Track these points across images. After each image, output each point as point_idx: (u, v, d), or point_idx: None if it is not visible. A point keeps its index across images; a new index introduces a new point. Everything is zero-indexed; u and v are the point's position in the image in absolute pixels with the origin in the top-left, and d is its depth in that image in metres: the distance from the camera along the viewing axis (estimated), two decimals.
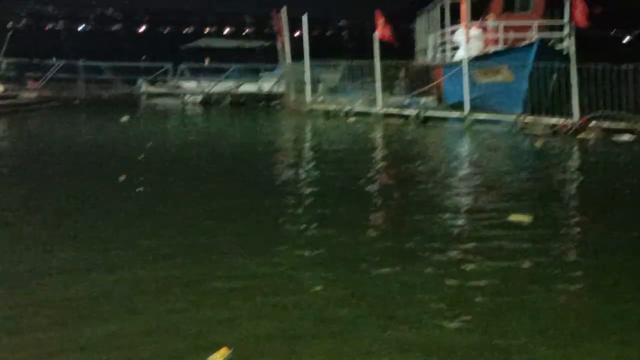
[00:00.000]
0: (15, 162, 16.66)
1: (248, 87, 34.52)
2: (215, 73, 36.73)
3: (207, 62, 39.86)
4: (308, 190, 13.21)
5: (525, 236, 9.84)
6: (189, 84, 35.87)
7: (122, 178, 13.90)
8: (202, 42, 47.66)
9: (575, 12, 21.20)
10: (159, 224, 10.57)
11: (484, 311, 7.14)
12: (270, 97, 33.49)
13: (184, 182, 14.10)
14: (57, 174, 15.01)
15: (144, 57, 42.43)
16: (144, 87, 36.06)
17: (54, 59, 37.70)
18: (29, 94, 33.38)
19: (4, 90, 31.79)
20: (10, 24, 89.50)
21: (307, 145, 20.38)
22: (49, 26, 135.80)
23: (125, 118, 26.05)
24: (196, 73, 37.30)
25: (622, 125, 19.59)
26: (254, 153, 18.34)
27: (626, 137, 19.14)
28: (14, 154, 18.36)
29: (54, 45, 67.64)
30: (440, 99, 26.40)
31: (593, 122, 20.06)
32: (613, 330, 6.67)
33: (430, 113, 24.45)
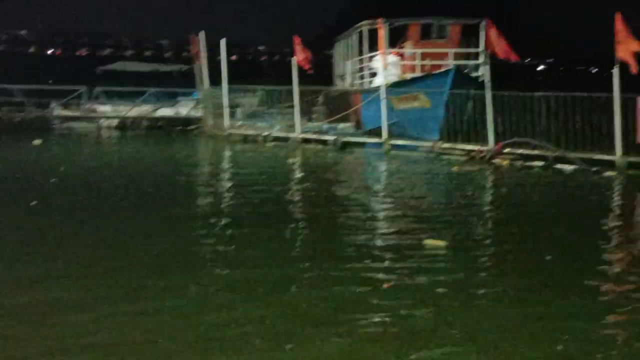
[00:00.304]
0: None
1: (165, 112, 34.04)
2: (132, 97, 36.17)
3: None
4: (226, 214, 13.05)
5: (440, 258, 9.99)
6: (105, 108, 35.16)
7: (33, 203, 13.52)
8: (118, 65, 46.97)
9: (497, 46, 21.63)
10: (71, 246, 10.35)
11: (405, 327, 7.35)
12: (188, 121, 33.15)
13: (98, 205, 13.81)
14: None
15: (50, 82, 41.20)
16: (57, 110, 35.18)
17: None
18: None
19: None
20: None
21: (225, 170, 20.17)
22: None
23: (37, 141, 25.40)
24: (112, 97, 36.68)
25: (535, 152, 20.00)
26: (170, 177, 17.99)
27: (539, 164, 19.55)
28: None
29: None
30: (358, 125, 26.54)
31: (507, 149, 20.43)
32: (529, 343, 6.92)
33: (348, 138, 24.56)
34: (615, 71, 18.76)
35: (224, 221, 12.34)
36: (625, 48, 18.55)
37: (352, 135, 25.30)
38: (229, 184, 17.04)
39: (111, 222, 12.13)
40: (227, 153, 23.92)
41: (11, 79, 37.32)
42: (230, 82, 28.31)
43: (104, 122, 33.60)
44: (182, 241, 10.83)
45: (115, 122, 33.56)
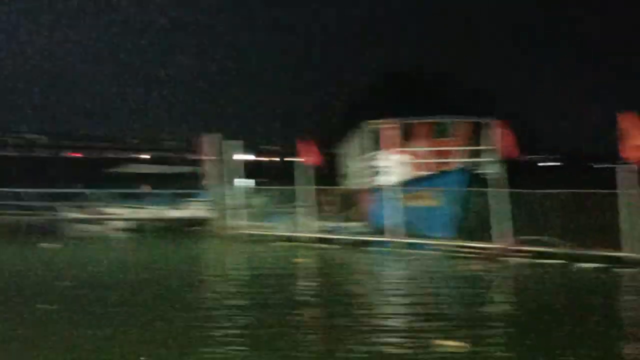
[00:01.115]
0: None
1: (173, 213, 34.07)
2: (141, 198, 36.25)
3: (146, 188, 39.12)
4: (236, 317, 12.75)
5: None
6: (113, 210, 35.21)
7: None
8: (128, 168, 47.15)
9: (503, 144, 21.59)
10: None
11: None
12: (196, 222, 33.09)
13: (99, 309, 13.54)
14: None
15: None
16: (65, 213, 35.21)
17: None
18: None
19: None
20: None
21: (231, 270, 19.88)
22: None
23: (45, 244, 25.27)
24: (121, 199, 36.78)
25: (550, 249, 19.70)
26: (180, 279, 17.74)
27: (553, 262, 19.22)
28: None
29: None
30: (367, 223, 26.35)
31: (520, 246, 20.15)
32: None
33: (357, 237, 24.33)
34: (619, 168, 18.54)
35: (230, 326, 12.01)
36: (630, 146, 18.32)
37: (361, 234, 25.07)
38: (231, 284, 16.69)
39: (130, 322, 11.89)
40: (235, 253, 23.69)
41: (21, 182, 37.47)
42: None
43: (113, 224, 33.56)
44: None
45: (123, 224, 33.53)
